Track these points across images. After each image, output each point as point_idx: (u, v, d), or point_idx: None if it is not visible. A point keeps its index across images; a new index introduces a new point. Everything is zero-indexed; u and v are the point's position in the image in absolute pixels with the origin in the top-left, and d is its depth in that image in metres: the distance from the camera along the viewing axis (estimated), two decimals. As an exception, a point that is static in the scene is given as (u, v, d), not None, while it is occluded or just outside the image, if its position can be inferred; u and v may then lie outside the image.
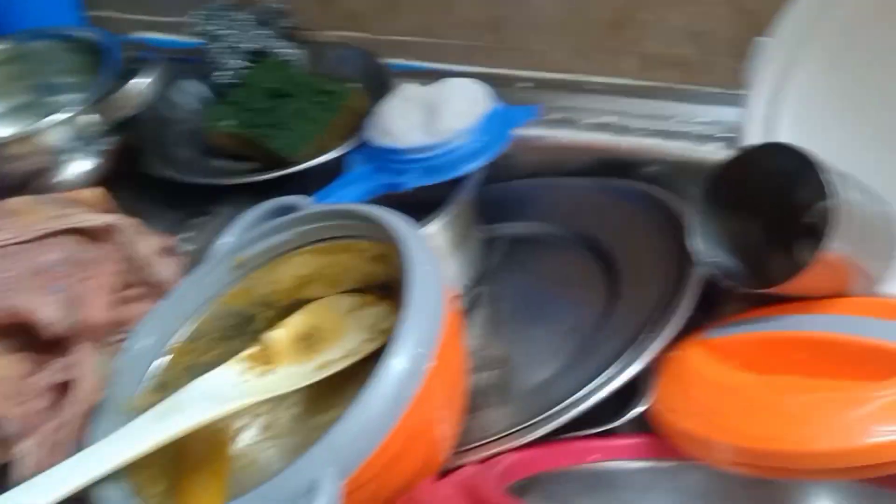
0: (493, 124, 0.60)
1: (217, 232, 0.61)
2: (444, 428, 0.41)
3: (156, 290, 0.51)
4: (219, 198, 0.65)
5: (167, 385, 0.48)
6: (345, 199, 0.59)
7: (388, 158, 0.60)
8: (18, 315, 0.42)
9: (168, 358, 0.49)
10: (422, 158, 0.58)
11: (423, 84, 0.65)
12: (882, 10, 0.52)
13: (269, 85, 0.70)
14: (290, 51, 0.75)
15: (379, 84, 0.72)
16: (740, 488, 0.43)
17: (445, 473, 0.42)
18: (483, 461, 0.43)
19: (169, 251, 0.54)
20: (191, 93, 0.75)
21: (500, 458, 0.43)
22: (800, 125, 0.58)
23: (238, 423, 0.49)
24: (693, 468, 0.44)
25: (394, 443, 0.37)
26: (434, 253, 0.44)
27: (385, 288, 0.51)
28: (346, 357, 0.48)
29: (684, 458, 0.44)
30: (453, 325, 0.42)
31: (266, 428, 0.50)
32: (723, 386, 0.44)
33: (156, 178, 0.65)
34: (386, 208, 0.48)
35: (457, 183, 0.59)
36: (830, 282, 0.48)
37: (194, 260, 0.57)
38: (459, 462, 0.44)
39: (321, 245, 0.51)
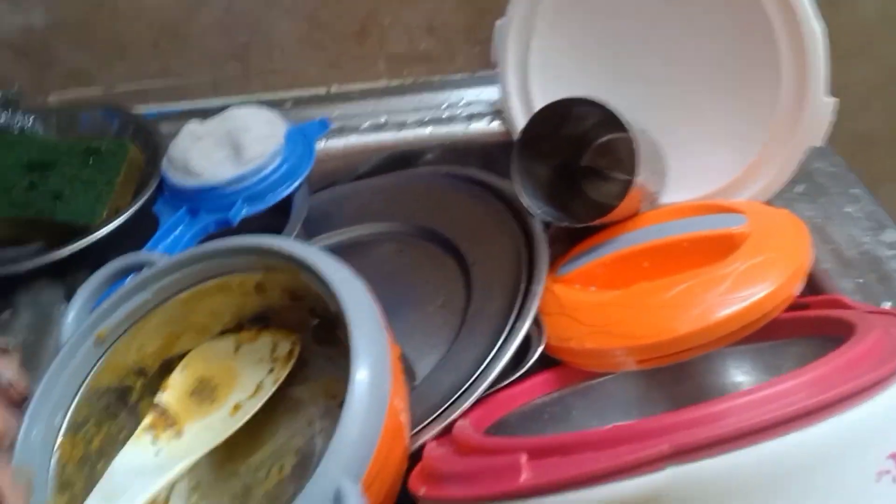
0: (296, 142, 0.61)
1: (28, 325, 0.55)
2: (405, 417, 0.42)
3: (6, 394, 0.45)
4: (14, 288, 0.57)
5: (69, 484, 0.43)
6: (174, 248, 0.56)
7: (203, 198, 0.58)
8: None
9: (58, 456, 0.43)
10: (241, 189, 0.58)
11: (179, 128, 0.63)
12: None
13: (21, 160, 0.63)
14: (22, 121, 0.68)
15: (139, 134, 0.68)
16: (652, 384, 0.50)
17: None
18: (437, 437, 0.45)
19: (2, 352, 0.47)
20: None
21: (462, 423, 0.44)
22: (548, 86, 0.67)
23: (160, 496, 0.45)
24: (604, 384, 0.50)
25: (385, 438, 0.37)
26: (336, 257, 0.44)
27: (260, 319, 0.51)
28: (256, 394, 0.47)
29: (592, 376, 0.50)
30: (383, 318, 0.43)
31: (193, 490, 0.46)
32: (600, 304, 0.51)
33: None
34: (261, 235, 0.47)
35: (277, 207, 0.59)
36: (633, 205, 0.57)
37: (25, 352, 0.50)
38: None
39: (185, 294, 0.48)
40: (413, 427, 0.46)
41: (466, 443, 0.38)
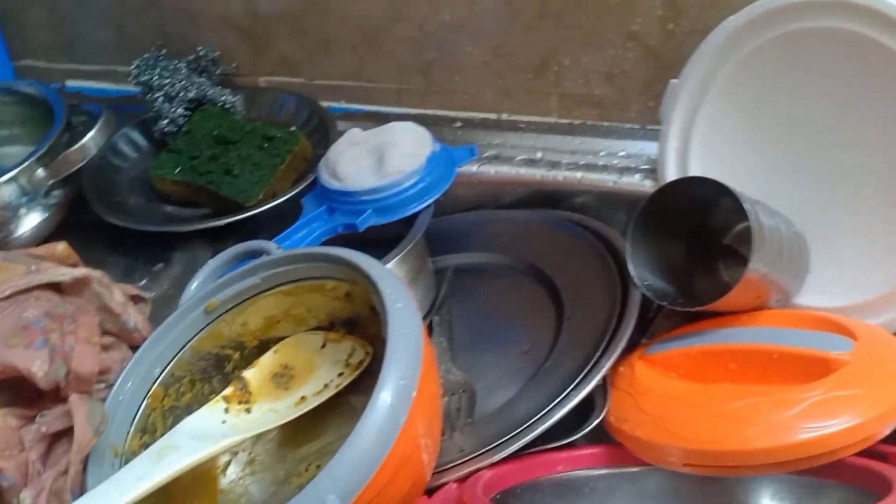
0: (437, 164, 0.64)
1: (175, 278, 0.64)
2: (427, 451, 0.45)
3: (127, 336, 0.53)
4: (173, 244, 0.66)
5: (150, 429, 0.50)
6: (303, 240, 0.62)
7: (341, 201, 0.63)
8: (14, 370, 0.43)
9: (147, 403, 0.51)
10: (374, 199, 0.62)
11: (360, 128, 0.69)
12: (768, 51, 0.60)
13: (212, 132, 0.72)
14: (227, 97, 0.77)
15: (320, 128, 0.75)
16: (693, 487, 0.48)
17: (430, 493, 0.45)
18: (461, 480, 0.47)
19: (136, 299, 0.55)
20: (134, 141, 0.76)
21: (479, 474, 0.46)
22: (709, 156, 0.65)
23: (223, 459, 0.51)
24: (649, 472, 0.49)
25: (387, 468, 0.40)
26: (406, 289, 0.48)
27: (349, 324, 0.55)
28: (321, 392, 0.51)
29: (640, 463, 0.49)
30: (429, 355, 0.46)
31: (248, 463, 0.52)
32: (667, 395, 0.50)
33: (107, 227, 0.66)
34: (352, 250, 0.51)
35: (406, 219, 0.63)
36: (752, 298, 0.54)
37: (156, 306, 0.59)
38: (439, 482, 0.47)
39: (288, 286, 0.54)
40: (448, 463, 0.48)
41: (459, 497, 0.40)
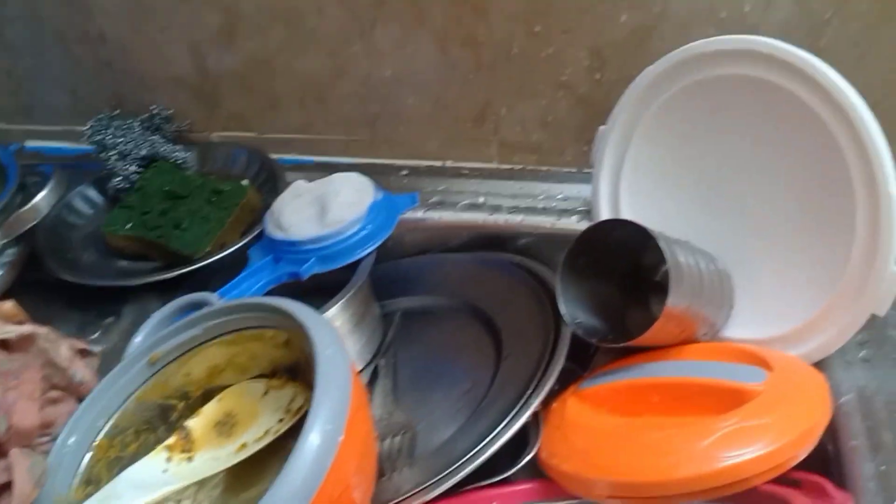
0: (379, 212, 0.67)
1: (124, 331, 0.65)
2: (359, 492, 0.46)
3: (74, 390, 0.54)
4: (124, 298, 0.68)
5: (95, 479, 0.51)
6: (249, 289, 0.64)
7: (286, 250, 0.65)
8: (-47, 428, 0.44)
9: (91, 454, 0.52)
10: (318, 248, 0.64)
11: (309, 178, 0.71)
12: (684, 97, 0.63)
13: (163, 188, 0.74)
14: (179, 154, 0.80)
15: (269, 178, 0.78)
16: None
17: (365, 533, 0.47)
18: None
19: (83, 353, 0.57)
20: (89, 198, 0.78)
21: (412, 514, 0.48)
22: (637, 196, 0.68)
23: (169, 511, 0.52)
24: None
25: (317, 506, 0.42)
26: (337, 335, 0.49)
27: (291, 370, 0.57)
28: (262, 438, 0.52)
29: (571, 498, 0.51)
30: (358, 399, 0.48)
31: (194, 513, 0.53)
32: (595, 430, 0.52)
33: (59, 283, 0.68)
34: (289, 299, 0.53)
35: (351, 266, 0.65)
36: (677, 331, 0.57)
37: (106, 359, 0.60)
38: (376, 523, 0.49)
39: (229, 336, 0.56)
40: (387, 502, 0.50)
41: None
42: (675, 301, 0.53)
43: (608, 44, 0.70)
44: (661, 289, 0.64)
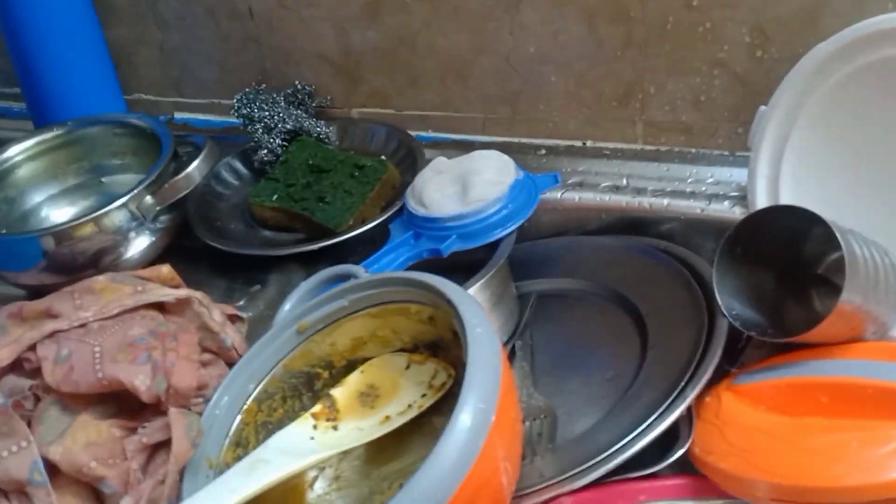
0: (520, 192, 0.65)
1: (269, 299, 0.66)
2: (507, 474, 0.45)
3: (225, 354, 0.56)
4: (269, 267, 0.69)
5: (244, 443, 0.53)
6: (390, 265, 0.64)
7: (427, 227, 0.65)
8: (119, 384, 0.46)
9: (241, 418, 0.53)
10: (459, 226, 0.64)
11: (447, 156, 0.71)
12: (860, 78, 0.58)
13: (308, 162, 0.75)
14: (321, 129, 0.80)
15: (409, 157, 0.78)
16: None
17: (509, 517, 0.46)
18: (541, 504, 0.47)
19: (233, 319, 0.58)
20: (235, 170, 0.80)
21: (559, 500, 0.47)
22: (800, 183, 0.64)
23: (311, 474, 0.53)
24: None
25: (466, 490, 0.41)
26: (486, 314, 0.48)
27: (433, 347, 0.56)
28: (405, 412, 0.52)
29: (725, 496, 0.48)
30: (508, 380, 0.47)
31: (334, 479, 0.54)
32: (755, 427, 0.49)
33: (209, 251, 0.70)
34: (435, 275, 0.53)
35: (491, 245, 0.64)
36: (845, 330, 0.53)
37: (252, 326, 0.61)
38: (519, 506, 0.47)
39: (374, 309, 0.56)
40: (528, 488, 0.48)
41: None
42: (849, 295, 0.49)
43: (773, 19, 0.66)
44: (825, 282, 0.60)
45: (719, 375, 0.55)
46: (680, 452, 0.50)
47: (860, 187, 0.60)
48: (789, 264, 0.59)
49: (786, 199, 0.64)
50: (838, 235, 0.50)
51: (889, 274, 0.54)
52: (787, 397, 0.50)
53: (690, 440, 0.50)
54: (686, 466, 0.50)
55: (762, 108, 0.65)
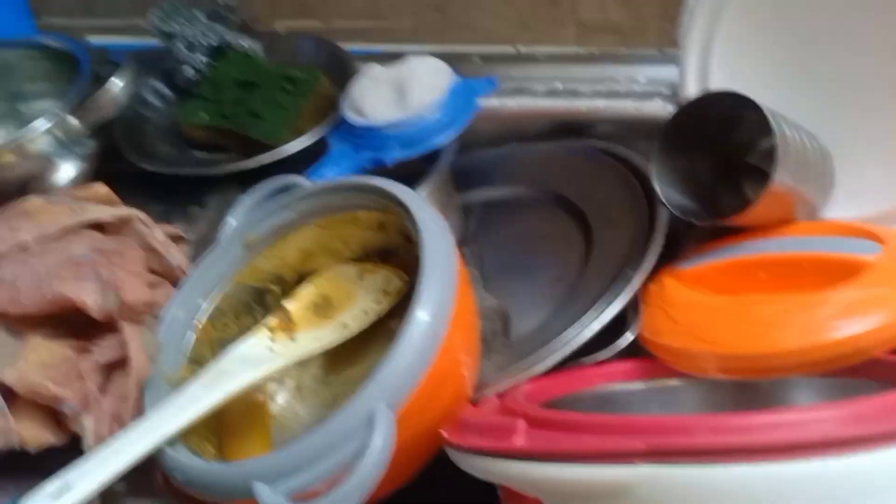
0: (459, 96, 0.65)
1: (210, 219, 0.65)
2: (467, 367, 0.46)
3: (170, 274, 0.55)
4: (205, 188, 0.67)
5: (199, 360, 0.52)
6: (330, 177, 0.63)
7: (366, 136, 0.64)
8: (67, 301, 0.45)
9: (195, 335, 0.53)
10: (398, 133, 0.63)
11: (383, 64, 0.69)
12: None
13: (235, 77, 0.73)
14: (246, 43, 0.78)
15: (339, 68, 0.76)
16: (727, 397, 0.50)
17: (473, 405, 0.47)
18: (500, 394, 0.48)
19: (176, 239, 0.57)
20: (158, 91, 0.77)
21: (518, 386, 0.48)
22: (729, 74, 0.64)
23: (271, 387, 0.53)
24: (685, 385, 0.51)
25: (430, 380, 0.42)
26: (436, 212, 0.49)
27: (384, 254, 0.56)
28: (360, 318, 0.53)
29: (675, 376, 0.50)
30: (463, 275, 0.47)
31: (296, 389, 0.54)
32: (700, 306, 0.51)
33: (141, 175, 0.67)
34: (382, 178, 0.52)
35: (431, 155, 0.64)
36: (777, 211, 0.55)
37: (196, 246, 0.60)
38: (479, 396, 0.49)
39: (321, 220, 0.55)
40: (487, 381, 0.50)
41: (502, 403, 0.42)
42: (781, 176, 0.51)
43: None
44: (756, 171, 0.62)
45: (662, 264, 0.57)
46: (631, 338, 0.52)
47: (788, 74, 0.61)
48: (723, 153, 0.61)
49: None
50: (769, 117, 0.51)
51: (817, 156, 0.57)
52: (727, 277, 0.52)
53: (639, 324, 0.52)
54: (638, 353, 0.52)
55: (689, 1, 0.65)
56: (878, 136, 0.58)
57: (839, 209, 0.59)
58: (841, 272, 0.47)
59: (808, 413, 0.33)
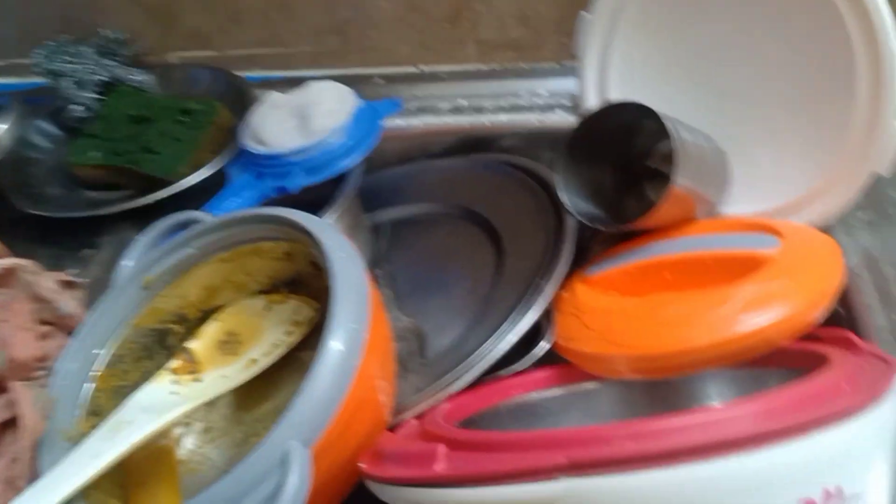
0: (363, 120, 0.64)
1: (105, 262, 0.62)
2: (384, 392, 0.45)
3: (63, 323, 0.52)
4: (100, 229, 0.65)
5: (98, 411, 0.49)
6: (233, 208, 0.61)
7: (268, 164, 0.62)
8: (-53, 362, 0.42)
9: (93, 385, 0.50)
10: (302, 160, 0.61)
11: (284, 91, 0.68)
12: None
13: (128, 112, 0.70)
14: (138, 77, 0.75)
15: (237, 97, 0.74)
16: (642, 396, 0.50)
17: (391, 430, 0.46)
18: (420, 416, 0.47)
19: (68, 285, 0.54)
20: (46, 132, 0.73)
21: (437, 407, 0.47)
22: (627, 84, 0.66)
23: (177, 431, 0.50)
24: (600, 388, 0.51)
25: (345, 411, 0.40)
26: (344, 238, 0.47)
27: (292, 284, 0.55)
28: (271, 353, 0.51)
29: (591, 379, 0.50)
30: (376, 299, 0.46)
31: (205, 432, 0.51)
32: (610, 311, 0.51)
33: (29, 220, 0.64)
34: (286, 208, 0.51)
35: (337, 179, 0.63)
36: (679, 212, 0.56)
37: (91, 291, 0.57)
38: (398, 420, 0.48)
39: (224, 253, 0.53)
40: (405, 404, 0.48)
41: (421, 426, 0.41)
42: (681, 178, 0.52)
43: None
44: (656, 174, 0.63)
45: (571, 273, 0.58)
46: (546, 347, 0.51)
47: (682, 82, 0.63)
48: (625, 160, 0.62)
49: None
50: (666, 123, 0.52)
51: (713, 156, 0.58)
52: (634, 279, 0.53)
53: (553, 332, 0.52)
54: (555, 360, 0.52)
55: (585, 14, 0.67)
56: (768, 134, 0.60)
57: (737, 205, 0.60)
58: (743, 267, 0.48)
59: (721, 412, 0.33)
